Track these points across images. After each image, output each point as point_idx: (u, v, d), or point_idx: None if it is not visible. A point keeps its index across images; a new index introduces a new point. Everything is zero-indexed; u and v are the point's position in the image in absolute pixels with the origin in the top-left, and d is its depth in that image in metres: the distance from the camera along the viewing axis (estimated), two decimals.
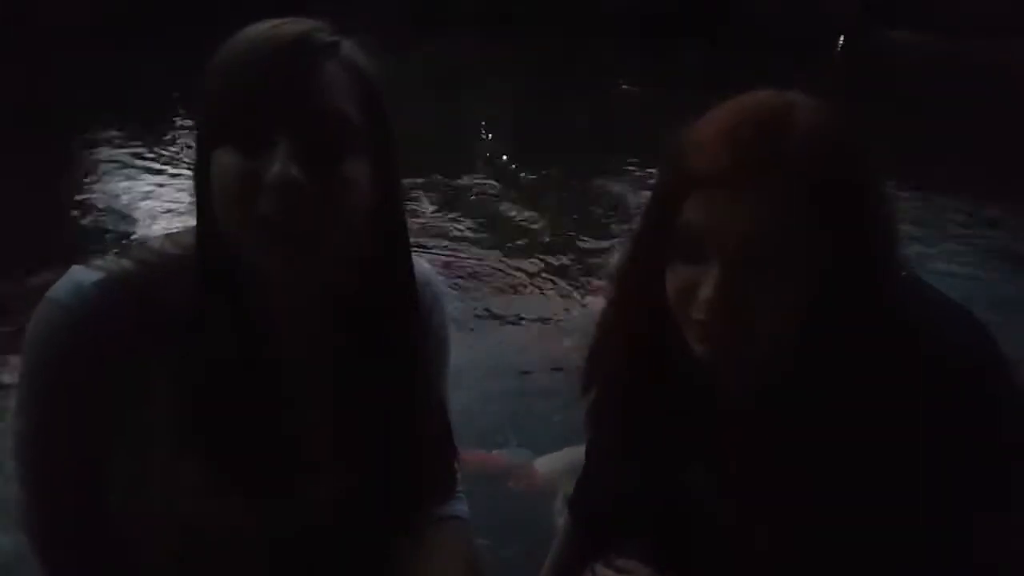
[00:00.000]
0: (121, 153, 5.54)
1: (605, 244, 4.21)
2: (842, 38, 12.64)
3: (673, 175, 0.78)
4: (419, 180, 4.84)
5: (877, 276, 0.76)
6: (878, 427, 0.76)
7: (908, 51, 10.63)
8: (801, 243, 0.73)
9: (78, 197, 4.68)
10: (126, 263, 0.81)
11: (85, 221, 4.36)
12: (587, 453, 1.15)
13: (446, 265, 3.76)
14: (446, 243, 4.17)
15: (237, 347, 0.79)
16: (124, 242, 3.93)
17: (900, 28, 11.35)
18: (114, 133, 5.90)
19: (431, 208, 4.65)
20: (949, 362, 0.76)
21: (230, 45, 0.75)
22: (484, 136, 6.83)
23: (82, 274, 0.80)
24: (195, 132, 0.76)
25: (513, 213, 4.69)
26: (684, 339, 0.80)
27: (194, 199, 0.78)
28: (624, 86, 8.41)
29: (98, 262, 0.82)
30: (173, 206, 4.53)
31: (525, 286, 3.66)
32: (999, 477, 0.77)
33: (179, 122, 6.15)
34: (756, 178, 0.72)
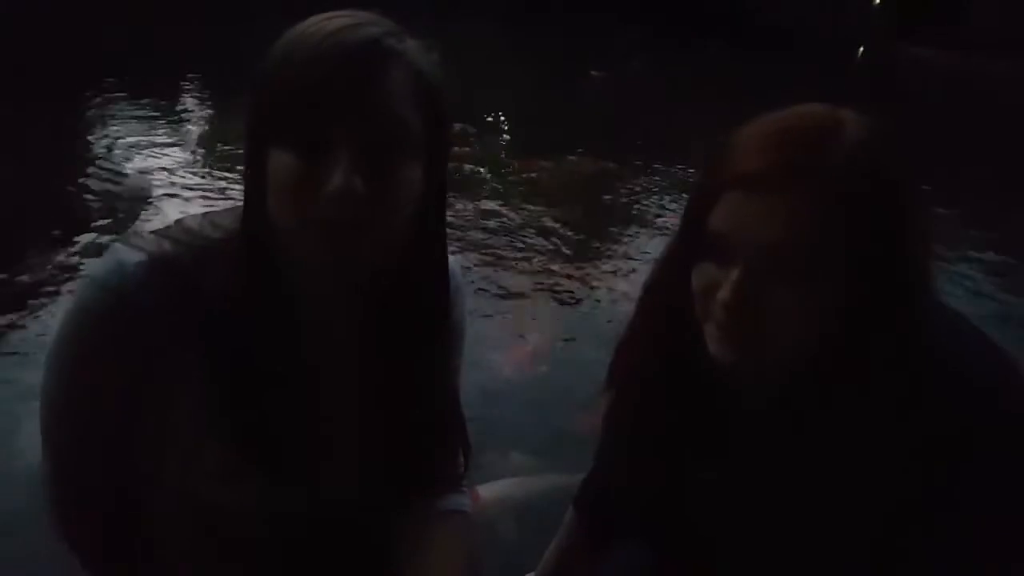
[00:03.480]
0: (131, 119, 5.49)
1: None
2: (862, 49, 12.58)
3: (710, 176, 0.79)
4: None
5: (905, 298, 0.76)
6: (885, 444, 0.77)
7: (926, 67, 10.57)
8: (827, 255, 0.73)
9: (90, 157, 4.65)
10: (167, 245, 0.79)
11: (94, 187, 4.25)
12: (598, 449, 1.16)
13: None
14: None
15: (272, 335, 0.79)
16: (140, 211, 3.91)
17: (920, 44, 11.31)
18: (122, 98, 5.86)
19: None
20: (962, 391, 0.76)
21: (291, 41, 0.73)
22: (501, 123, 6.84)
23: (125, 254, 0.78)
24: (248, 125, 0.75)
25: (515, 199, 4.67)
26: (704, 340, 0.81)
27: (245, 192, 0.78)
28: (593, 72, 8.54)
29: (138, 241, 0.80)
30: (185, 179, 4.45)
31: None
32: (995, 501, 0.76)
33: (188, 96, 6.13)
34: (787, 185, 0.72)
